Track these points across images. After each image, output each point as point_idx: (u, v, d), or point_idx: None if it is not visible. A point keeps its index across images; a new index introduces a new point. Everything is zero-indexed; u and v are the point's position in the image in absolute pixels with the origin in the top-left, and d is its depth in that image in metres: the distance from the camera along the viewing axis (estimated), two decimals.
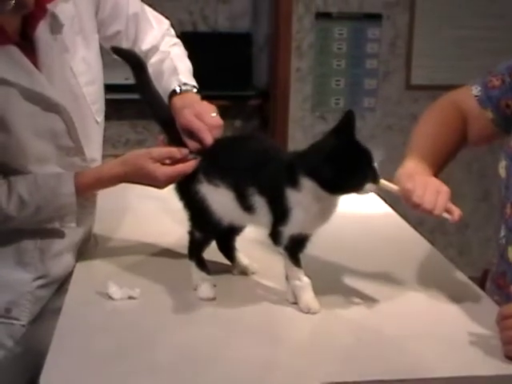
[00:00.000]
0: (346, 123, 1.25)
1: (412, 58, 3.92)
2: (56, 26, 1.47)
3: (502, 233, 1.43)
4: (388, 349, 1.21)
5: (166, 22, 1.78)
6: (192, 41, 3.89)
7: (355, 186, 1.24)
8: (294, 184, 1.26)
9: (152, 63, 1.67)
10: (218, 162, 1.38)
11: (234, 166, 1.34)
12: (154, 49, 1.70)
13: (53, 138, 1.48)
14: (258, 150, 1.36)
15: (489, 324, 1.25)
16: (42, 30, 1.45)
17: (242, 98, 4.05)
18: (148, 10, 1.73)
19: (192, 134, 1.43)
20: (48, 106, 1.45)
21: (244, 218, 1.37)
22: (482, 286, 1.51)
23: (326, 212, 1.30)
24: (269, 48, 4.13)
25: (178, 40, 1.77)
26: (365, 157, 1.24)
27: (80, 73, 1.53)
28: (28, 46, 1.43)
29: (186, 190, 1.41)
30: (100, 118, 1.61)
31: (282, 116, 3.87)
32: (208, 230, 1.43)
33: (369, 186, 1.24)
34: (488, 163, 3.82)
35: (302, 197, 1.26)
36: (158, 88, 1.57)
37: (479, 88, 1.54)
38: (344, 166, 1.22)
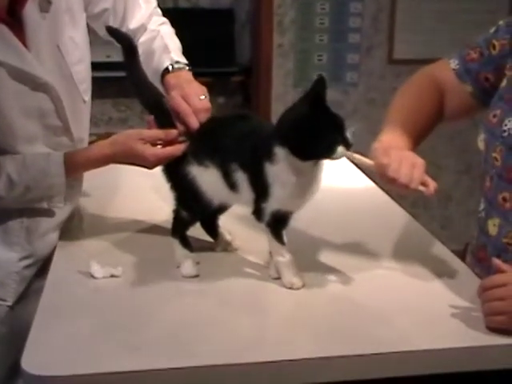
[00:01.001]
0: (317, 89, 1.24)
1: (395, 32, 3.91)
2: (44, 5, 1.46)
3: (482, 206, 1.44)
4: (370, 323, 1.22)
5: (153, 1, 1.77)
6: (173, 17, 3.86)
7: (326, 150, 1.23)
8: (270, 156, 1.26)
9: (142, 42, 1.67)
10: (207, 142, 1.37)
11: (221, 145, 1.34)
12: (142, 28, 1.69)
13: (41, 118, 1.47)
14: (245, 128, 1.35)
15: (470, 296, 1.26)
16: (30, 8, 1.43)
17: (224, 74, 4.04)
18: None
19: (179, 116, 1.43)
20: (36, 85, 1.44)
21: (231, 198, 1.37)
22: (465, 259, 1.52)
23: (305, 188, 1.29)
24: (251, 24, 4.10)
25: (165, 19, 1.77)
26: (335, 121, 1.23)
27: (67, 52, 1.52)
28: (16, 24, 1.42)
29: (175, 171, 1.40)
30: (87, 97, 1.61)
31: (265, 92, 3.86)
32: (196, 210, 1.43)
33: (340, 149, 1.22)
34: (470, 137, 3.79)
35: (278, 170, 1.26)
36: (149, 67, 1.58)
37: (457, 61, 1.54)
38: (313, 129, 1.21)
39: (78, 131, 1.57)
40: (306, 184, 1.29)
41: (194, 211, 1.43)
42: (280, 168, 1.26)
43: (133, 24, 1.68)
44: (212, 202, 1.39)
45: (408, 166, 1.29)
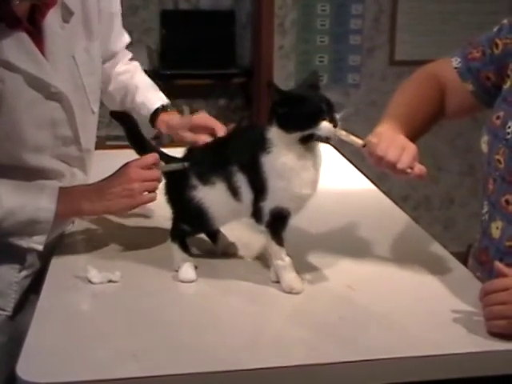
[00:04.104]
0: (312, 80, 1.31)
1: (396, 33, 3.90)
2: (66, 15, 1.48)
3: (485, 209, 1.42)
4: (370, 328, 1.21)
5: (128, 37, 1.82)
6: (173, 19, 3.91)
7: (310, 121, 1.24)
8: (264, 145, 1.28)
9: (120, 72, 1.78)
10: (211, 157, 1.37)
11: (224, 154, 1.34)
12: (118, 55, 1.77)
13: (52, 127, 1.47)
14: (247, 134, 1.37)
15: (471, 300, 1.24)
16: (51, 18, 1.45)
17: (225, 76, 4.03)
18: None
19: (203, 130, 1.60)
20: (50, 94, 1.45)
21: (237, 211, 1.36)
22: (467, 261, 1.50)
23: (301, 178, 1.28)
24: (251, 25, 4.09)
25: (131, 54, 1.86)
26: (324, 101, 1.26)
27: (81, 63, 1.53)
28: (35, 32, 1.43)
29: (179, 198, 1.39)
30: (96, 108, 1.62)
31: (266, 94, 3.83)
32: (201, 228, 1.43)
33: (325, 124, 1.24)
34: (472, 138, 3.79)
35: (272, 158, 1.27)
36: (133, 100, 1.74)
37: (459, 60, 1.53)
38: (301, 101, 1.25)
39: (86, 142, 1.58)
40: (301, 176, 1.28)
41: (197, 228, 1.43)
42: (274, 156, 1.27)
43: (114, 47, 1.74)
44: (218, 221, 1.39)
45: (397, 147, 1.29)
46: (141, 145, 1.47)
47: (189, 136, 1.62)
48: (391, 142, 1.30)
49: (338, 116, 1.26)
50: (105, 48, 1.67)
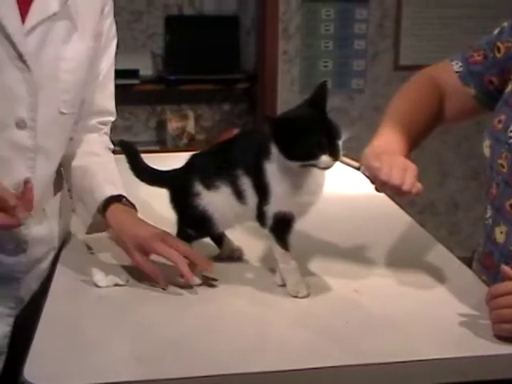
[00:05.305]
0: (319, 95, 1.27)
1: (400, 38, 3.90)
2: None
3: (489, 213, 1.42)
4: (376, 332, 1.21)
5: (114, 114, 1.71)
6: (178, 24, 3.92)
7: (309, 155, 1.22)
8: (268, 154, 1.27)
9: (91, 152, 1.59)
10: (215, 161, 1.37)
11: (228, 158, 1.34)
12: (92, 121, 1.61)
13: (9, 101, 1.35)
14: (251, 139, 1.38)
15: (477, 304, 1.24)
16: None
17: (229, 81, 4.04)
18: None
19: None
20: (17, 60, 1.34)
21: (242, 214, 1.36)
22: (472, 266, 1.50)
23: (304, 188, 1.28)
24: (256, 30, 4.10)
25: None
26: (327, 130, 1.23)
27: (64, 57, 1.41)
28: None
29: (184, 204, 1.40)
30: (66, 110, 1.45)
31: (270, 99, 3.85)
32: (206, 232, 1.43)
33: (325, 158, 1.21)
34: (477, 142, 3.78)
35: (275, 168, 1.27)
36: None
37: (460, 64, 1.52)
38: (301, 131, 1.22)
39: (45, 139, 1.42)
40: (304, 184, 1.28)
41: (203, 232, 1.43)
42: (276, 166, 1.27)
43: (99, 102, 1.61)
44: (223, 225, 1.40)
45: (399, 169, 1.29)
46: (140, 169, 1.50)
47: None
48: (392, 164, 1.29)
49: (341, 143, 1.24)
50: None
